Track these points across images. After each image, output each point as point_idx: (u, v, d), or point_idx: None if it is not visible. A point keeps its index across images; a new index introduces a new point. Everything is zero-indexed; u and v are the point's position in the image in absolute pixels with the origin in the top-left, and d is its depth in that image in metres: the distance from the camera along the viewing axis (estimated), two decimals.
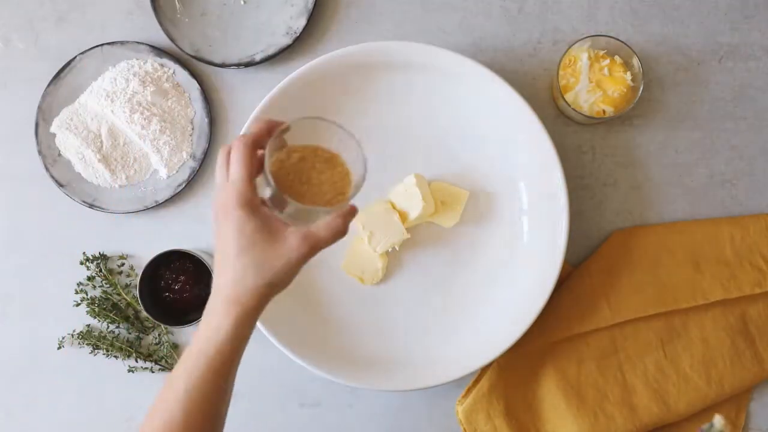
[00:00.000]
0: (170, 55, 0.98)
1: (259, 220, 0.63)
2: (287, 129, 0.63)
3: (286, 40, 0.96)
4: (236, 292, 0.64)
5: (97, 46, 0.98)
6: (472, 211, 0.95)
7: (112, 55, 0.98)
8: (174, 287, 0.94)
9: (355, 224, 0.95)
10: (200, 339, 0.65)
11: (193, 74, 0.98)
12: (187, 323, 0.93)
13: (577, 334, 0.93)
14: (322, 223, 0.64)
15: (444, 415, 0.97)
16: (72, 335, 0.99)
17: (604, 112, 0.92)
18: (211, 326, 0.64)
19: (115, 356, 0.98)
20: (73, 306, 0.99)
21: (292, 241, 0.63)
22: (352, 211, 0.66)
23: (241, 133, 0.64)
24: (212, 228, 0.67)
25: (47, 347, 0.99)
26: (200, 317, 0.92)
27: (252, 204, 0.63)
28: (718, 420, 0.63)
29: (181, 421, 0.64)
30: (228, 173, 0.64)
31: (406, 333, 0.95)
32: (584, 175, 0.97)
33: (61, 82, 0.98)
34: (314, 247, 0.64)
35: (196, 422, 0.65)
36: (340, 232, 0.65)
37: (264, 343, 0.92)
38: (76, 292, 0.99)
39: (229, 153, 0.65)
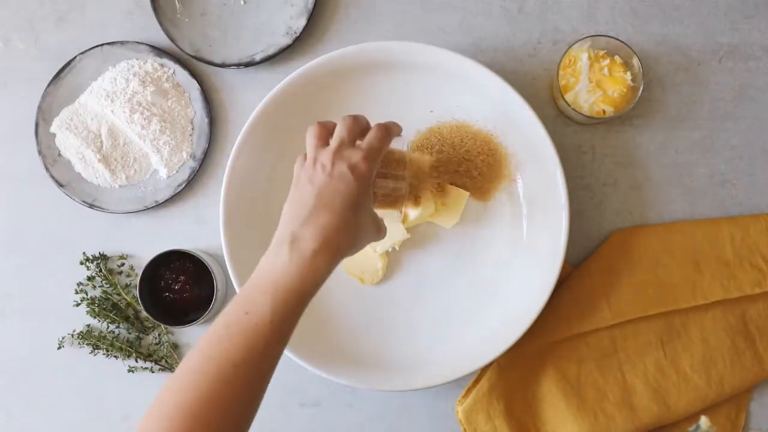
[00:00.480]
0: (170, 55, 0.98)
1: (371, 189, 0.72)
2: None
3: (286, 40, 0.96)
4: (337, 237, 0.67)
5: (97, 46, 0.98)
6: (472, 211, 0.95)
7: (112, 55, 0.98)
8: (174, 287, 0.94)
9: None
10: (289, 274, 0.66)
11: (193, 74, 0.98)
12: (187, 323, 0.93)
13: (577, 334, 0.93)
14: (380, 220, 0.76)
15: (444, 415, 0.97)
16: (72, 335, 0.99)
17: (604, 112, 0.92)
18: (307, 265, 0.66)
19: (115, 356, 0.98)
20: (73, 306, 0.99)
21: (377, 221, 0.74)
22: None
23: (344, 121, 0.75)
24: (305, 170, 0.72)
25: (47, 347, 0.99)
26: (200, 317, 0.93)
27: (375, 173, 0.72)
28: (704, 421, 0.63)
29: (265, 351, 0.65)
30: (352, 137, 0.72)
31: (406, 333, 0.95)
32: (584, 175, 0.97)
33: (61, 82, 0.98)
34: (380, 237, 0.75)
35: (277, 354, 0.67)
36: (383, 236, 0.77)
37: None
38: (76, 292, 0.99)
39: (362, 128, 0.74)
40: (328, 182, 0.69)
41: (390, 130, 0.75)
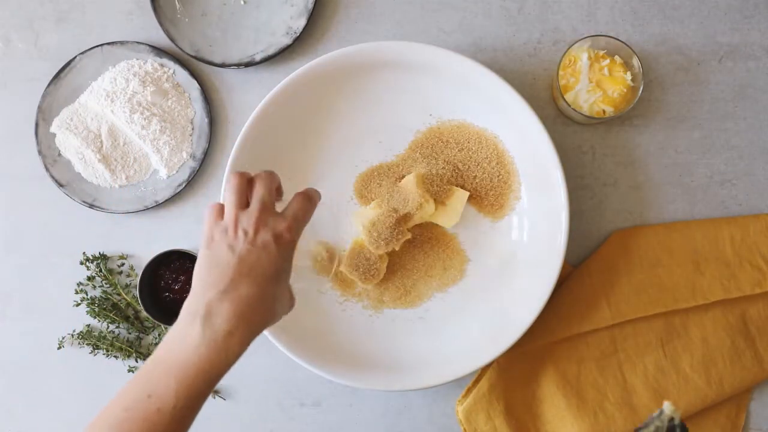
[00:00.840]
0: (170, 55, 0.98)
1: (290, 264, 0.68)
2: None
3: (286, 40, 0.96)
4: (256, 312, 0.64)
5: (97, 46, 0.98)
6: (472, 211, 0.95)
7: (112, 55, 0.98)
8: (174, 287, 0.94)
9: (355, 224, 0.95)
10: (198, 355, 0.61)
11: (193, 74, 0.98)
12: None
13: (577, 334, 0.93)
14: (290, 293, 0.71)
15: (444, 415, 0.97)
16: (72, 335, 0.99)
17: (604, 112, 0.92)
18: (220, 347, 0.62)
19: (115, 356, 0.98)
20: (73, 306, 0.99)
21: (289, 292, 0.70)
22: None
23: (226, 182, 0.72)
24: (216, 242, 0.66)
25: (47, 347, 0.99)
26: None
27: (295, 245, 0.68)
28: (667, 406, 0.62)
29: None
30: (273, 199, 0.69)
31: (406, 333, 0.95)
32: (584, 175, 0.97)
33: (61, 82, 0.98)
34: (289, 310, 0.71)
35: None
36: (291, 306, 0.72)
37: (264, 344, 0.92)
38: (76, 292, 0.99)
39: (245, 180, 0.69)
40: (249, 251, 0.65)
41: (312, 200, 0.72)
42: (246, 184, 0.69)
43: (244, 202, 0.68)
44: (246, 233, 0.66)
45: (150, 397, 0.61)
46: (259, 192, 0.68)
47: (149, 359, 0.64)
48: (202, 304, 0.63)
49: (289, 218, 0.68)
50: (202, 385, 0.62)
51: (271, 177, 0.70)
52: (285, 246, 0.66)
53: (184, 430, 0.62)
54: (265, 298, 0.65)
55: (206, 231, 0.67)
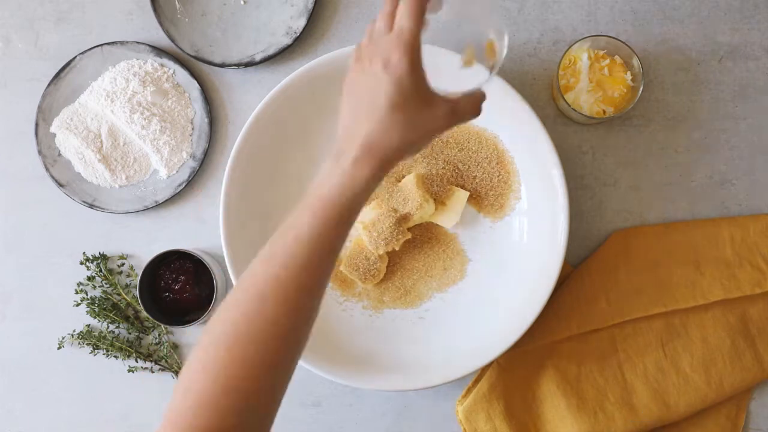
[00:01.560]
0: (170, 55, 0.98)
1: (418, 79, 0.62)
2: None
3: (286, 40, 0.96)
4: (381, 144, 0.62)
5: (97, 46, 0.98)
6: (472, 211, 0.95)
7: (112, 55, 0.98)
8: (174, 287, 0.94)
9: (355, 224, 0.95)
10: (330, 186, 0.62)
11: (193, 74, 0.98)
12: (187, 323, 0.93)
13: (577, 334, 0.93)
14: (466, 100, 0.65)
15: (444, 415, 0.97)
16: (72, 335, 0.99)
17: (604, 112, 0.92)
18: (347, 174, 0.62)
19: (115, 356, 0.98)
20: (73, 306, 0.99)
21: (441, 109, 0.64)
22: (483, 96, 0.67)
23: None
24: (350, 78, 0.65)
25: (47, 347, 0.99)
26: (200, 317, 0.93)
27: (417, 59, 0.62)
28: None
29: (306, 263, 0.62)
30: (391, 24, 0.63)
31: (406, 333, 0.95)
32: (584, 175, 0.97)
33: (61, 82, 0.98)
34: (456, 121, 0.65)
35: (321, 267, 0.63)
36: (478, 111, 0.66)
37: None
38: (76, 292, 0.99)
39: (395, 4, 0.64)
40: (365, 85, 0.63)
41: (419, 4, 0.64)
42: (374, 22, 0.66)
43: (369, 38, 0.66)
44: (362, 68, 0.64)
45: (290, 229, 0.63)
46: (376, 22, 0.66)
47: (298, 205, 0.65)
48: (335, 147, 0.64)
49: (395, 37, 0.63)
50: (335, 211, 0.62)
51: (392, 1, 0.65)
52: (395, 69, 0.62)
53: (327, 257, 0.63)
54: (387, 128, 0.62)
55: (352, 63, 0.67)
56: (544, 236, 0.91)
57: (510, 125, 0.92)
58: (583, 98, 0.91)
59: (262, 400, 0.61)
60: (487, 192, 0.95)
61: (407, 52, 0.62)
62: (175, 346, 0.98)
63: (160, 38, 0.98)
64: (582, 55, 0.91)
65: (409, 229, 0.93)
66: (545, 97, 0.97)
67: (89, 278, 0.98)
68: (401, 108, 0.62)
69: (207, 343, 0.61)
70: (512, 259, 0.94)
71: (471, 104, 0.66)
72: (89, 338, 0.97)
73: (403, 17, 0.62)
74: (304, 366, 0.90)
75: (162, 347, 0.98)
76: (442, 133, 0.66)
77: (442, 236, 0.95)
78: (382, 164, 0.63)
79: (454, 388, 0.96)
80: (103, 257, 0.99)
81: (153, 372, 0.98)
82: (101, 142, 0.97)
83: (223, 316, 0.62)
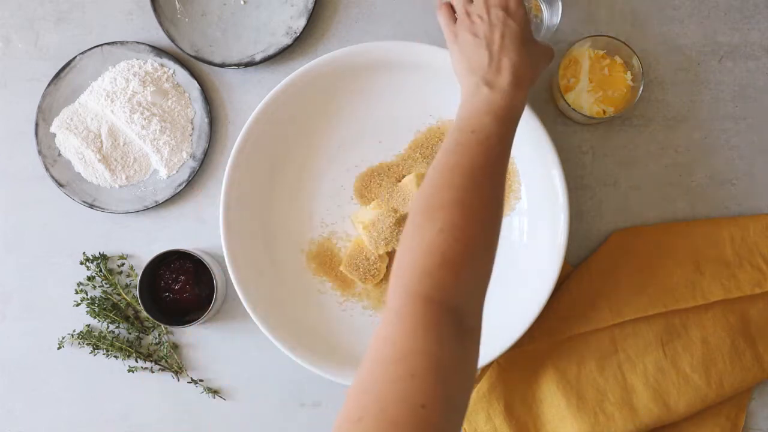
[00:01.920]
0: (170, 55, 0.98)
1: (529, 21, 0.80)
2: None
3: (286, 40, 0.96)
4: (526, 71, 0.76)
5: (97, 46, 0.98)
6: None
7: (112, 55, 0.98)
8: (174, 287, 0.94)
9: (355, 224, 0.95)
10: (497, 102, 0.73)
11: (193, 74, 0.98)
12: (187, 323, 0.93)
13: (577, 334, 0.93)
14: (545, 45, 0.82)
15: None
16: (72, 335, 0.99)
17: (604, 112, 0.92)
18: (509, 95, 0.74)
19: (115, 356, 0.98)
20: (73, 306, 0.99)
21: (540, 44, 0.81)
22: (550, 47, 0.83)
23: None
24: (461, 30, 0.79)
25: (47, 347, 0.99)
26: (200, 317, 0.93)
27: (522, 4, 0.79)
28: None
29: (497, 161, 0.71)
30: None
31: None
32: (584, 175, 0.97)
33: (61, 82, 0.98)
34: (550, 54, 0.82)
35: (504, 170, 0.73)
36: (552, 51, 0.83)
37: (264, 343, 0.92)
38: (76, 292, 0.99)
39: None
40: (492, 30, 0.76)
41: None
42: None
43: None
44: (481, 18, 0.78)
45: (474, 132, 0.72)
46: None
47: (455, 121, 0.75)
48: (475, 82, 0.75)
49: None
50: (510, 121, 0.74)
51: None
52: (515, 12, 0.78)
53: (506, 158, 0.73)
54: (523, 59, 0.76)
55: (447, 30, 0.81)
56: (544, 236, 0.91)
57: None
58: (583, 98, 0.91)
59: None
60: None
61: (520, 1, 0.79)
62: (175, 346, 0.98)
63: (160, 38, 0.98)
64: (582, 55, 0.91)
65: None
66: (545, 97, 0.97)
67: (89, 278, 0.98)
68: (529, 42, 0.78)
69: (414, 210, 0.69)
70: (512, 259, 0.94)
71: (547, 46, 0.82)
72: (89, 338, 0.97)
73: None
74: (304, 366, 0.90)
75: (162, 347, 0.98)
76: (545, 66, 0.81)
77: None
78: (527, 92, 0.76)
79: None
80: (103, 257, 0.99)
81: (153, 372, 0.98)
82: (101, 142, 0.97)
83: (421, 203, 0.68)
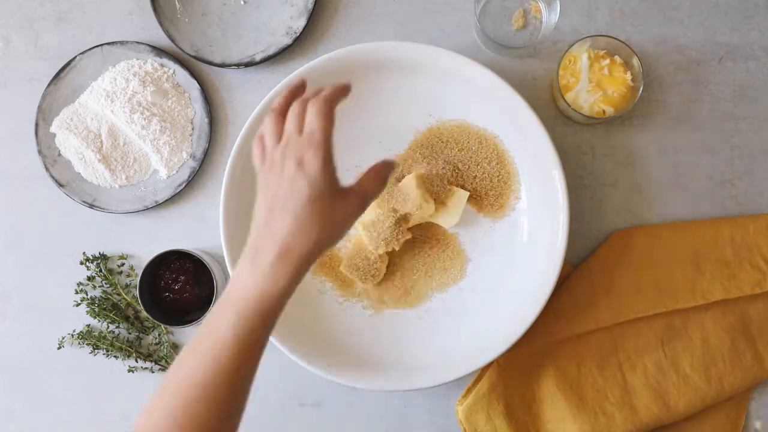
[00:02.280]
0: (170, 55, 0.98)
1: (330, 176, 0.65)
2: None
3: (286, 40, 0.96)
4: (299, 243, 0.64)
5: (97, 46, 0.98)
6: (472, 211, 0.95)
7: (112, 55, 0.98)
8: (174, 287, 0.94)
9: (354, 224, 0.95)
10: (248, 290, 0.64)
11: (193, 74, 0.98)
12: (187, 323, 0.93)
13: (577, 334, 0.93)
14: (370, 180, 0.69)
15: (444, 415, 0.97)
16: (72, 335, 0.99)
17: (604, 112, 0.92)
18: (268, 278, 0.64)
19: (115, 356, 0.98)
20: (73, 306, 0.99)
21: (353, 199, 0.67)
22: (389, 167, 0.70)
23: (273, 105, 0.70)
24: (262, 178, 0.67)
25: (47, 347, 0.99)
26: (200, 317, 0.93)
27: (330, 157, 0.65)
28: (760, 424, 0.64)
29: (231, 368, 0.63)
30: (301, 125, 0.66)
31: (406, 333, 0.95)
32: (584, 175, 0.97)
33: (61, 82, 0.98)
34: (368, 202, 0.68)
35: (248, 369, 0.65)
36: (384, 183, 0.69)
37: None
38: (76, 292, 0.99)
39: (283, 107, 0.68)
40: (279, 184, 0.65)
41: (330, 100, 0.67)
42: (281, 119, 0.69)
43: (278, 136, 0.68)
44: (274, 167, 0.66)
45: (213, 333, 0.64)
46: (286, 120, 0.68)
47: (217, 301, 0.67)
48: (250, 245, 0.66)
49: (307, 139, 0.66)
50: (256, 315, 0.64)
51: (299, 102, 0.68)
52: (310, 170, 0.64)
53: (252, 357, 0.65)
54: (303, 226, 0.64)
55: (257, 167, 0.69)
56: (544, 236, 0.91)
57: (510, 125, 0.92)
58: (583, 98, 0.91)
59: None
60: (487, 192, 0.95)
61: (320, 151, 0.64)
62: (175, 346, 0.98)
63: (160, 38, 0.98)
64: (582, 55, 0.91)
65: (409, 229, 0.93)
66: (545, 97, 0.97)
67: (89, 278, 0.98)
68: (316, 204, 0.64)
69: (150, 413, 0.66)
70: (512, 259, 0.94)
71: (376, 182, 0.69)
72: (89, 338, 0.97)
73: (315, 119, 0.65)
74: (304, 366, 0.90)
75: (162, 347, 0.98)
76: (356, 220, 0.68)
77: (441, 236, 0.95)
78: (300, 264, 0.64)
79: (454, 388, 0.96)
80: (103, 257, 0.99)
81: (153, 372, 0.98)
82: (101, 142, 0.97)
83: (164, 402, 0.65)
